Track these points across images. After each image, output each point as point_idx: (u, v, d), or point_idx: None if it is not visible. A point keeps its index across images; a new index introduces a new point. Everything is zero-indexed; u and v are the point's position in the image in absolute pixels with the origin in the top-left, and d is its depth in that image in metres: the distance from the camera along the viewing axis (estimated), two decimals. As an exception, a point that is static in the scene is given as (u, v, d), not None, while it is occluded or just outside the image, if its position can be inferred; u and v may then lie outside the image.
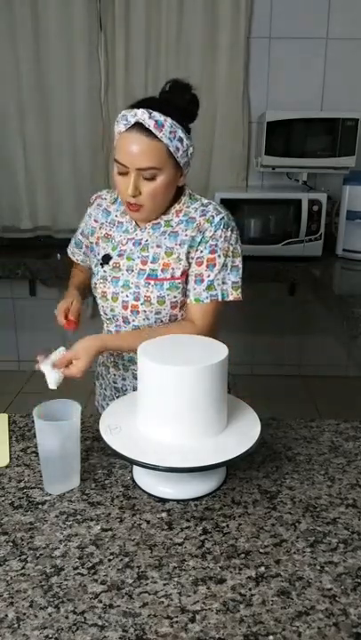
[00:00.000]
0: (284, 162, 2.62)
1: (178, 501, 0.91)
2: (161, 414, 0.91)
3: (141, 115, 1.11)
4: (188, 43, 2.67)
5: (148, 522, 0.87)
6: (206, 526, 0.86)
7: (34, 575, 0.76)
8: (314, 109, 2.79)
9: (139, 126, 1.11)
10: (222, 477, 0.97)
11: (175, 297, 1.23)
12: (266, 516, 0.88)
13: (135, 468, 0.98)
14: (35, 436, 0.95)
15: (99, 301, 1.32)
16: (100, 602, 0.71)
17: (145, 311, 1.24)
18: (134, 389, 1.27)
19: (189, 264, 1.22)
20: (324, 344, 3.25)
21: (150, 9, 2.62)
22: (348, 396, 2.89)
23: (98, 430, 0.94)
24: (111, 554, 0.80)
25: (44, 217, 2.92)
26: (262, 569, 0.77)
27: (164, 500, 0.92)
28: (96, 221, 1.33)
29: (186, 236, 1.22)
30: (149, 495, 0.93)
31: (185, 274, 1.23)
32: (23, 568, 0.77)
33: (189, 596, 0.72)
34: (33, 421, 0.92)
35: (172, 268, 1.22)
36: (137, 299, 1.24)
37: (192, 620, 0.69)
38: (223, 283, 1.22)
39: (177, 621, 0.69)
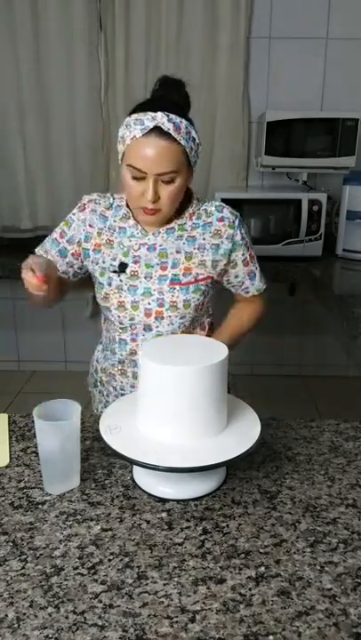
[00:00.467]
0: (284, 162, 2.62)
1: (178, 501, 0.91)
2: (161, 414, 0.91)
3: (161, 118, 1.08)
4: (188, 43, 2.67)
5: (148, 522, 0.87)
6: (206, 526, 0.86)
7: (34, 575, 0.76)
8: (314, 109, 2.79)
9: (157, 130, 1.08)
10: (222, 477, 0.97)
11: (198, 299, 1.25)
12: (266, 516, 0.88)
13: (135, 467, 0.98)
14: (35, 436, 0.95)
15: (113, 312, 1.26)
16: (100, 602, 0.71)
17: (170, 317, 1.24)
18: None
19: (218, 270, 1.26)
20: (324, 344, 3.25)
21: (150, 9, 2.62)
22: (348, 396, 2.89)
23: (98, 430, 0.94)
24: (111, 554, 0.80)
25: (44, 217, 2.91)
26: (262, 569, 0.77)
27: (164, 500, 0.92)
28: (92, 227, 1.27)
29: (204, 239, 1.24)
30: (149, 495, 0.93)
31: (209, 278, 1.26)
32: (23, 568, 0.77)
33: (189, 595, 0.72)
34: (33, 421, 0.92)
35: (195, 272, 1.24)
36: (161, 305, 1.23)
37: (192, 620, 0.69)
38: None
39: (177, 621, 0.69)
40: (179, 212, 1.23)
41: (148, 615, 0.69)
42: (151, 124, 1.08)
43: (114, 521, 0.87)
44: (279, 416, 1.19)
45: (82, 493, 0.93)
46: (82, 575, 0.76)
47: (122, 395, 1.36)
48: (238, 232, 1.26)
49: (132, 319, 1.26)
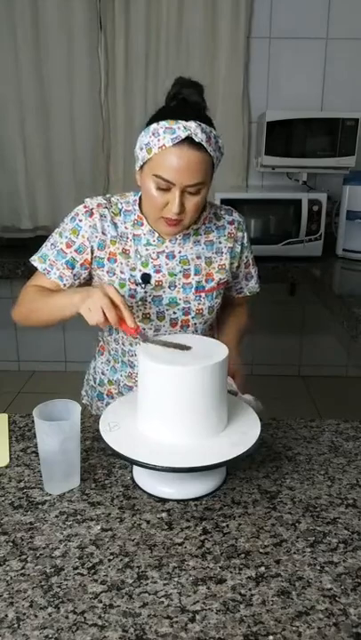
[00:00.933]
0: (284, 162, 2.62)
1: (178, 501, 0.91)
2: (161, 414, 0.91)
3: (195, 128, 1.02)
4: (189, 42, 2.67)
5: (148, 522, 0.87)
6: (206, 526, 0.86)
7: (34, 575, 0.76)
8: (314, 109, 2.79)
9: (188, 140, 1.02)
10: (222, 477, 0.97)
11: (218, 303, 1.28)
12: (266, 516, 0.88)
13: (135, 467, 0.98)
14: (35, 436, 0.95)
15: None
16: (100, 602, 0.71)
17: (195, 324, 1.24)
18: None
19: (232, 272, 1.29)
20: (324, 344, 3.25)
21: (150, 9, 2.62)
22: (348, 396, 2.89)
23: (98, 430, 0.94)
24: (111, 554, 0.80)
25: (44, 217, 2.92)
26: (262, 569, 0.77)
27: (164, 500, 0.91)
28: (104, 234, 1.18)
29: (220, 243, 1.24)
30: (149, 495, 0.93)
31: (226, 282, 1.28)
32: (23, 568, 0.77)
33: (189, 595, 0.72)
34: (33, 421, 0.92)
35: (218, 278, 1.25)
36: (187, 313, 1.22)
37: (192, 620, 0.69)
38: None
39: (177, 621, 0.69)
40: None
41: (148, 615, 0.69)
42: (183, 135, 1.02)
43: (114, 521, 0.87)
44: (279, 416, 1.19)
45: (82, 493, 0.93)
46: (82, 575, 0.76)
47: None
48: (245, 234, 1.29)
49: (157, 330, 1.22)
